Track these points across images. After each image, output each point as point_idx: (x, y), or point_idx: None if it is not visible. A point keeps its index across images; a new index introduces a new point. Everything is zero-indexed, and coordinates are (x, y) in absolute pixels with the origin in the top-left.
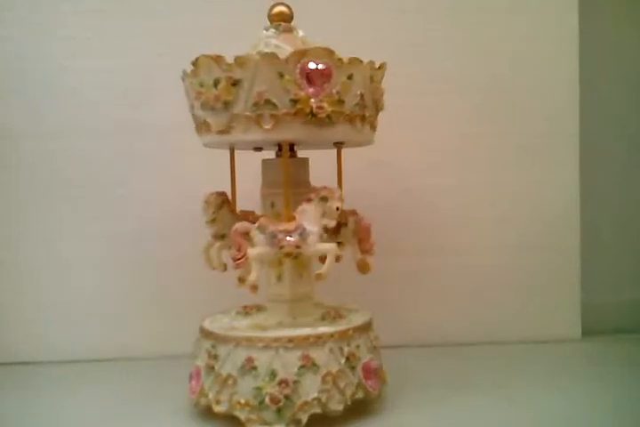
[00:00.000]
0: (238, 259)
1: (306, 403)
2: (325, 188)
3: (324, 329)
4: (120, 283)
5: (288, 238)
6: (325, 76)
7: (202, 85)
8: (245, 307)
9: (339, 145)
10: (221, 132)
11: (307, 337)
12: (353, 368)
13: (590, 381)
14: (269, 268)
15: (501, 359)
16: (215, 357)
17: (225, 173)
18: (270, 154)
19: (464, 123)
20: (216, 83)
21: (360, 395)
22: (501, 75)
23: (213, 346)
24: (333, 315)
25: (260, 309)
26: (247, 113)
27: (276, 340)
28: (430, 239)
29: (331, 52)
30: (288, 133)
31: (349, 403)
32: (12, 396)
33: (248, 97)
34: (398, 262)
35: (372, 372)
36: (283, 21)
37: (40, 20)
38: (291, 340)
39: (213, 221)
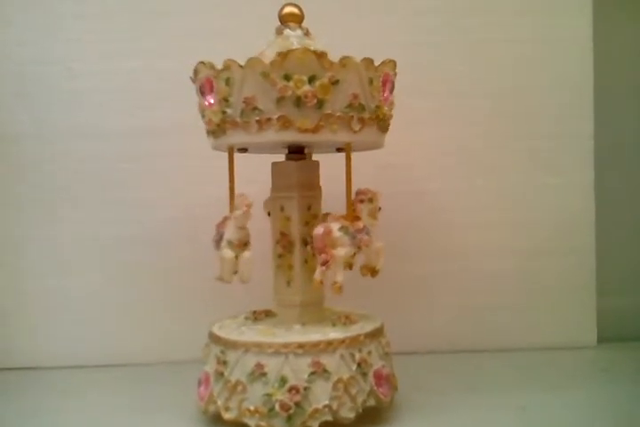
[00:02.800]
0: (327, 261)
1: (317, 410)
2: (368, 190)
3: (334, 335)
4: (125, 288)
5: (365, 238)
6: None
7: (288, 79)
8: (254, 312)
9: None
10: (308, 130)
11: (317, 343)
12: (364, 375)
13: (606, 389)
14: (279, 272)
15: (514, 366)
16: (224, 362)
17: (225, 176)
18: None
19: (476, 125)
20: (312, 79)
21: (372, 402)
22: (518, 76)
23: (222, 352)
24: (344, 321)
25: (268, 314)
26: (340, 114)
27: (286, 346)
28: (442, 244)
29: (395, 65)
30: (367, 137)
31: (361, 410)
32: (16, 402)
33: (344, 98)
34: (409, 267)
35: (383, 379)
36: (294, 22)
37: (44, 22)
38: (301, 346)
39: (244, 227)
